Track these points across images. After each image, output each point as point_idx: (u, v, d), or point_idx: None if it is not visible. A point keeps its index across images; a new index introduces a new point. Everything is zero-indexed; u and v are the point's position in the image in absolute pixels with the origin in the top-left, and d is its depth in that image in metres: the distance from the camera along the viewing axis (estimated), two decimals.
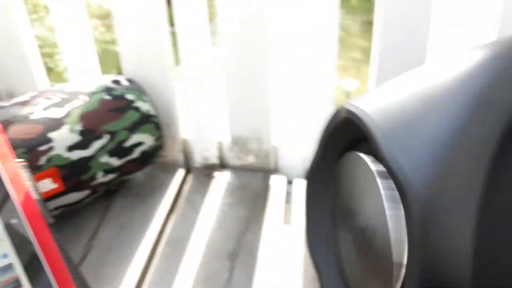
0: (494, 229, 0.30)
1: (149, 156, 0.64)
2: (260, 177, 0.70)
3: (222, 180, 0.69)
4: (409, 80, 0.39)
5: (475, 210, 0.29)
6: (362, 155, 0.38)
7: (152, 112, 0.63)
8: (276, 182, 0.69)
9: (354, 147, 0.42)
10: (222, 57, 0.65)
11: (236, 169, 0.72)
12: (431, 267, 0.30)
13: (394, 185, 0.33)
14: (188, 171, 0.72)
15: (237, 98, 0.67)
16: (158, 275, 0.53)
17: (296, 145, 0.71)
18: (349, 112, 0.38)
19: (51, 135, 0.55)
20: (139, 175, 0.69)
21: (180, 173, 0.71)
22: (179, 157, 0.72)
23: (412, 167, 0.31)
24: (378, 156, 0.35)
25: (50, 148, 0.54)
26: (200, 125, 0.70)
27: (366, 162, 0.37)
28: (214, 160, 0.72)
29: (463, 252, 0.29)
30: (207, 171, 0.71)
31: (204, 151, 0.71)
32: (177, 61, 0.69)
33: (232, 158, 0.71)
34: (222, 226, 0.60)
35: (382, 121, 0.35)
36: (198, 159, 0.72)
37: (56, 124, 0.56)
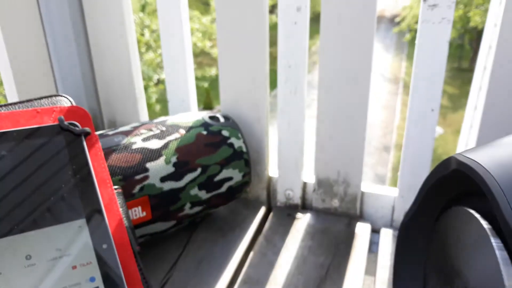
0: None
1: (235, 192, 0.65)
2: (343, 222, 0.68)
3: (303, 222, 0.68)
4: None
5: None
6: (472, 211, 0.36)
7: (244, 149, 0.64)
8: (361, 230, 0.66)
9: (457, 202, 0.39)
10: (318, 96, 0.65)
11: (318, 212, 0.70)
12: None
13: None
14: (270, 209, 0.72)
15: (328, 137, 0.66)
16: None
17: (385, 192, 0.68)
18: (460, 164, 0.36)
19: (148, 165, 0.58)
20: (222, 210, 0.70)
21: (262, 211, 0.71)
22: (263, 194, 0.73)
23: None
24: (488, 213, 0.32)
25: (145, 177, 0.57)
26: (287, 164, 0.70)
27: (477, 219, 0.34)
28: (297, 200, 0.71)
29: None
30: (289, 211, 0.70)
31: (288, 190, 0.71)
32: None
33: (315, 200, 0.70)
34: (300, 270, 0.59)
35: (498, 174, 0.32)
36: (281, 198, 0.72)
37: (154, 155, 0.59)
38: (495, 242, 0.32)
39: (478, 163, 0.34)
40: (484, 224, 0.33)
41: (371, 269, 0.62)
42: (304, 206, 0.72)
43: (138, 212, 0.57)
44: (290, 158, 0.70)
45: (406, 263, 0.45)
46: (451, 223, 0.39)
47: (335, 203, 0.69)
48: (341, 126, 0.65)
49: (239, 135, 0.64)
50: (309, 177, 0.71)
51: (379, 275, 0.58)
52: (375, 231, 0.67)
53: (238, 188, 0.65)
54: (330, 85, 0.64)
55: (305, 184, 0.71)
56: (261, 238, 0.65)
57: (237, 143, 0.64)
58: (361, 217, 0.69)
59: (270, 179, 0.73)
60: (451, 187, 0.40)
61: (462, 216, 0.37)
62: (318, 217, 0.69)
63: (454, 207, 0.39)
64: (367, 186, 0.69)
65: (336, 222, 0.68)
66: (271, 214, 0.70)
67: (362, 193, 0.68)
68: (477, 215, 0.35)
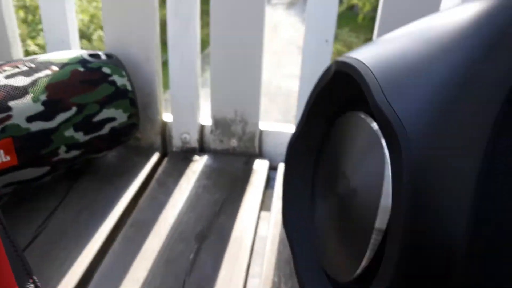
0: (499, 183, 0.24)
1: (121, 134, 0.59)
2: (241, 161, 0.64)
3: (200, 163, 0.64)
4: (412, 28, 0.33)
5: (480, 161, 0.23)
6: (362, 113, 0.33)
7: (129, 88, 0.58)
8: (258, 166, 0.63)
9: (349, 109, 0.37)
10: (210, 31, 0.60)
11: (217, 153, 0.67)
12: (418, 231, 0.24)
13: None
14: (165, 155, 0.67)
15: (222, 74, 0.62)
16: (115, 257, 0.47)
17: (283, 129, 0.66)
18: (341, 64, 0.33)
19: (12, 103, 0.51)
20: (110, 157, 0.64)
21: (156, 156, 0.66)
22: (157, 140, 0.67)
23: (408, 113, 0.26)
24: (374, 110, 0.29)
25: (8, 117, 0.50)
26: (181, 106, 0.65)
27: (366, 121, 0.31)
28: (194, 143, 0.67)
29: (459, 211, 0.23)
30: (185, 155, 0.66)
31: (184, 134, 0.66)
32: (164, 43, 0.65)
33: (213, 142, 0.66)
34: (193, 208, 0.55)
35: (377, 66, 0.29)
36: (177, 143, 0.67)
37: (19, 92, 0.52)
38: (384, 141, 0.29)
39: (354, 58, 0.32)
40: (373, 124, 0.31)
41: (270, 204, 0.60)
42: (202, 149, 0.68)
43: (0, 156, 0.50)
44: (185, 99, 0.65)
45: (296, 182, 0.43)
46: (341, 129, 0.37)
47: (234, 143, 0.65)
48: (236, 63, 0.61)
49: (123, 72, 0.58)
50: (207, 119, 0.67)
51: (275, 206, 0.55)
52: (274, 168, 0.65)
53: (124, 130, 0.59)
54: (223, 19, 0.59)
55: (202, 126, 0.67)
56: (153, 183, 0.60)
57: (120, 80, 0.58)
58: (260, 155, 0.66)
59: (164, 124, 0.68)
60: (339, 93, 0.37)
61: (352, 121, 0.34)
62: (216, 158, 0.65)
63: (344, 114, 0.36)
64: (266, 124, 0.66)
65: (234, 161, 0.64)
66: (165, 159, 0.65)
67: (261, 132, 0.65)
68: (366, 117, 0.32)
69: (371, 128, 0.31)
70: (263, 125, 0.65)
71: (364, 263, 0.30)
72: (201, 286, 0.44)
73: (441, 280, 0.24)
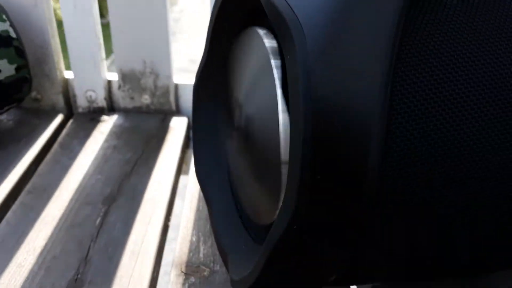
0: (408, 85, 0.21)
1: (10, 90, 0.51)
2: (157, 119, 0.59)
3: (109, 123, 0.58)
4: None
5: (386, 63, 0.20)
6: (259, 29, 0.28)
7: (13, 35, 0.50)
8: (176, 124, 0.58)
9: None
10: None
11: (128, 112, 0.61)
12: (322, 145, 0.21)
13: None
14: (69, 117, 0.60)
15: (125, 20, 0.56)
16: (9, 226, 0.41)
17: None
18: None
19: None
20: (4, 122, 0.56)
21: (59, 118, 0.59)
22: (59, 100, 0.60)
23: (304, 9, 0.21)
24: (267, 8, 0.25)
25: None
26: (81, 59, 0.58)
27: (259, 36, 0.27)
28: (101, 102, 0.60)
29: (369, 119, 0.20)
30: (92, 116, 0.60)
31: (89, 91, 0.60)
32: None
33: (123, 99, 0.60)
34: (101, 170, 0.49)
35: None
36: (82, 103, 0.60)
37: None
38: (274, 61, 0.25)
39: None
40: (267, 41, 0.27)
41: (188, 164, 0.55)
42: (112, 108, 0.62)
43: None
44: (84, 50, 0.58)
45: (204, 123, 0.38)
46: (236, 50, 0.33)
47: (146, 99, 0.60)
48: (137, 4, 0.55)
49: (4, 16, 0.50)
50: (114, 74, 0.61)
51: (193, 168, 0.51)
52: None
53: (13, 85, 0.51)
54: None
55: (109, 82, 0.60)
56: (55, 146, 0.53)
57: (1, 25, 0.50)
58: (178, 112, 0.61)
59: (66, 82, 0.61)
60: (240, 6, 0.33)
61: (246, 39, 0.30)
62: (127, 117, 0.59)
63: (243, 31, 0.32)
64: (181, 77, 0.61)
65: (149, 119, 0.59)
66: (70, 121, 0.59)
67: (176, 86, 0.60)
68: (261, 32, 0.28)
69: (263, 45, 0.27)
70: (178, 78, 0.60)
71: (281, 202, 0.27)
72: (108, 251, 0.39)
73: (350, 199, 0.21)
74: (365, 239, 0.22)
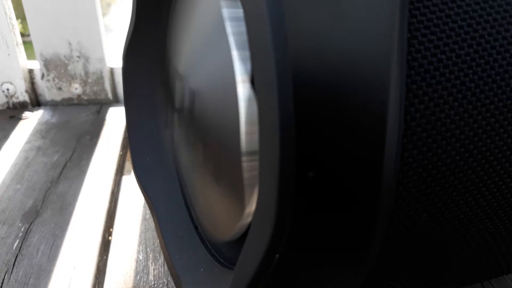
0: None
1: None
2: (91, 111, 0.50)
3: (32, 121, 0.48)
4: None
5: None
6: None
7: None
8: (114, 116, 0.49)
9: None
10: None
11: (57, 105, 0.51)
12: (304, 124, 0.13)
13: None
14: None
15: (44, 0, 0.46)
16: None
17: None
18: None
19: None
20: None
21: None
22: None
23: None
24: None
25: None
26: None
27: None
28: (22, 96, 0.50)
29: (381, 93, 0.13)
30: (12, 113, 0.50)
31: (5, 84, 0.50)
32: None
33: (49, 90, 0.51)
34: (20, 178, 0.40)
35: None
36: None
37: None
38: (225, 9, 0.17)
39: None
40: None
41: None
42: (37, 102, 0.52)
43: None
44: None
45: (139, 109, 0.30)
46: (177, 11, 0.24)
47: (76, 88, 0.50)
48: None
49: None
50: (35, 61, 0.51)
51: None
52: None
53: None
54: None
55: (30, 71, 0.51)
56: None
57: None
58: (116, 101, 0.52)
59: None
60: None
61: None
62: (55, 111, 0.50)
63: None
64: (117, 60, 0.52)
65: (81, 112, 0.50)
66: None
67: (111, 70, 0.51)
68: None
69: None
70: (113, 62, 0.51)
71: (248, 209, 0.19)
72: (29, 284, 0.30)
73: (358, 203, 0.14)
74: (381, 257, 0.15)
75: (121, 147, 0.45)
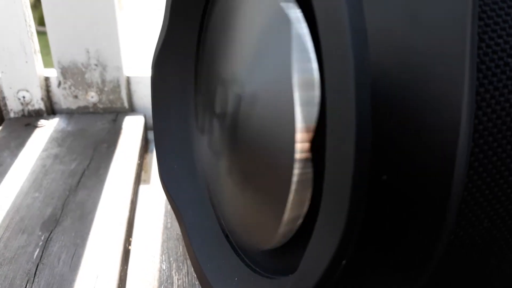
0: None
1: None
2: (107, 120, 0.50)
3: (48, 129, 0.48)
4: None
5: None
6: None
7: None
8: (130, 125, 0.49)
9: None
10: None
11: (72, 113, 0.51)
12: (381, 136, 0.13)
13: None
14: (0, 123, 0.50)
15: (61, 1, 0.46)
16: None
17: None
18: None
19: None
20: None
21: None
22: None
23: None
24: None
25: None
26: (7, 52, 0.48)
27: None
28: (38, 104, 0.50)
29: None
30: (28, 121, 0.49)
31: (22, 91, 0.49)
32: None
33: (65, 98, 0.50)
34: (38, 186, 0.39)
35: None
36: (14, 105, 0.50)
37: None
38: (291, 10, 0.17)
39: None
40: None
41: (147, 172, 0.46)
42: (52, 110, 0.51)
43: None
44: (10, 40, 0.47)
45: (169, 117, 0.30)
46: (221, 10, 0.24)
47: (93, 97, 0.50)
48: None
49: None
50: (52, 69, 0.50)
51: (155, 177, 0.42)
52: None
53: None
54: None
55: (46, 79, 0.50)
56: None
57: None
58: (131, 110, 0.52)
59: None
60: None
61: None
62: (71, 119, 0.49)
63: None
64: (134, 69, 0.52)
65: (97, 121, 0.49)
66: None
67: (128, 79, 0.51)
68: None
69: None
70: (129, 70, 0.51)
71: (286, 216, 0.18)
72: None
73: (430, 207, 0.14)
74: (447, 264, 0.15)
75: (138, 156, 0.44)
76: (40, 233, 0.34)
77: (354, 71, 0.12)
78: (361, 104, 0.12)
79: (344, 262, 0.13)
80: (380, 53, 0.12)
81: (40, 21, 0.48)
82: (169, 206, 0.38)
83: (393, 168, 0.12)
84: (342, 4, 0.12)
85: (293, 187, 0.17)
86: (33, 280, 0.30)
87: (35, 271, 0.31)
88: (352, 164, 0.12)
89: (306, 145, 0.16)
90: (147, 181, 0.45)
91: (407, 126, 0.12)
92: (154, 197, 0.40)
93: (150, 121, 0.51)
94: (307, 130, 0.16)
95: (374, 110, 0.12)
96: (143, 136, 0.48)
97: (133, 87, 0.51)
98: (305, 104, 0.16)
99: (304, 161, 0.17)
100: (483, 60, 0.14)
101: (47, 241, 0.33)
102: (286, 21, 0.16)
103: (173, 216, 0.37)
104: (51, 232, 0.34)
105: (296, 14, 0.16)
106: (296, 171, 0.17)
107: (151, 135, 0.51)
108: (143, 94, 0.51)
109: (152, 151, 0.49)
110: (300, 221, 0.18)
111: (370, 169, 0.12)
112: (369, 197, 0.12)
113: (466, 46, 0.13)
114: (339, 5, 0.12)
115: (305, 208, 0.18)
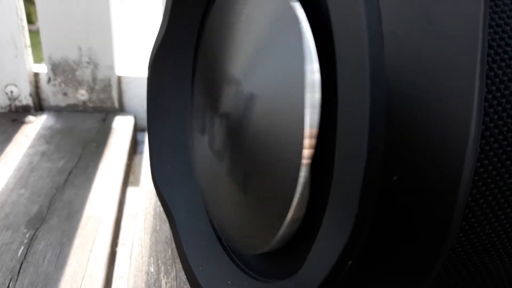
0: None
1: None
2: (96, 119, 0.49)
3: (36, 125, 0.47)
4: None
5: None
6: None
7: None
8: (120, 124, 0.48)
9: None
10: None
11: (61, 110, 0.50)
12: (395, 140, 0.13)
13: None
14: None
15: (58, 2, 0.45)
16: None
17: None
18: None
19: None
20: None
21: None
22: None
23: None
24: None
25: None
26: (1, 49, 0.47)
27: None
28: (26, 99, 0.49)
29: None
30: (15, 116, 0.48)
31: (10, 86, 0.48)
32: None
33: (54, 95, 0.49)
34: (24, 182, 0.38)
35: None
36: (1, 100, 0.49)
37: None
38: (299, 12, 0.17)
39: None
40: None
41: (137, 173, 0.46)
42: (41, 107, 0.51)
43: None
44: (0, 33, 0.46)
45: (164, 116, 0.29)
46: (223, 11, 0.24)
47: (83, 95, 0.49)
48: None
49: None
50: (42, 65, 0.50)
51: (146, 175, 0.41)
52: (143, 129, 0.51)
53: None
54: None
55: (36, 75, 0.49)
56: None
57: None
58: (122, 110, 0.51)
59: None
60: None
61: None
62: (60, 117, 0.49)
63: None
64: (126, 68, 0.51)
65: (86, 119, 0.49)
66: None
67: (119, 78, 0.50)
68: None
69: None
70: (121, 70, 0.50)
71: (288, 217, 0.18)
72: None
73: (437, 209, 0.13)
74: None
75: (127, 157, 0.44)
76: (25, 230, 0.33)
77: (370, 75, 0.12)
78: (376, 107, 0.12)
79: (350, 263, 0.13)
80: (394, 57, 0.12)
81: (27, 18, 0.47)
82: (158, 209, 0.37)
83: (404, 170, 0.12)
84: (360, 5, 0.12)
85: (299, 188, 0.17)
86: (17, 278, 0.29)
87: (19, 269, 0.30)
88: (363, 167, 0.12)
89: (313, 145, 0.16)
90: (135, 183, 0.45)
91: (419, 129, 0.12)
92: (143, 199, 0.39)
93: (140, 122, 0.51)
94: (313, 131, 0.16)
95: (387, 113, 0.12)
96: (132, 137, 0.47)
97: (124, 87, 0.50)
98: (312, 105, 0.15)
99: (310, 159, 0.17)
100: (492, 67, 0.14)
101: (32, 239, 0.33)
102: (296, 21, 0.16)
103: (162, 218, 0.36)
104: (36, 230, 0.33)
105: (303, 14, 0.16)
106: (302, 173, 0.17)
107: (140, 136, 0.51)
108: (134, 95, 0.51)
109: (141, 153, 0.48)
110: (298, 224, 0.18)
111: (381, 171, 0.12)
112: (380, 194, 0.12)
113: (477, 51, 0.13)
114: (357, 5, 0.12)
115: (304, 211, 0.18)
